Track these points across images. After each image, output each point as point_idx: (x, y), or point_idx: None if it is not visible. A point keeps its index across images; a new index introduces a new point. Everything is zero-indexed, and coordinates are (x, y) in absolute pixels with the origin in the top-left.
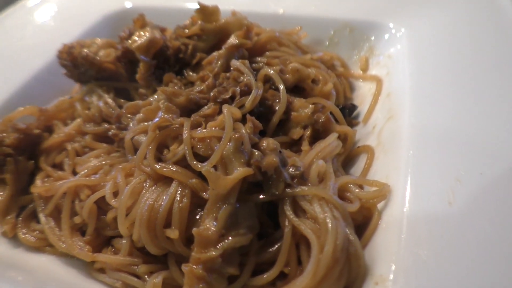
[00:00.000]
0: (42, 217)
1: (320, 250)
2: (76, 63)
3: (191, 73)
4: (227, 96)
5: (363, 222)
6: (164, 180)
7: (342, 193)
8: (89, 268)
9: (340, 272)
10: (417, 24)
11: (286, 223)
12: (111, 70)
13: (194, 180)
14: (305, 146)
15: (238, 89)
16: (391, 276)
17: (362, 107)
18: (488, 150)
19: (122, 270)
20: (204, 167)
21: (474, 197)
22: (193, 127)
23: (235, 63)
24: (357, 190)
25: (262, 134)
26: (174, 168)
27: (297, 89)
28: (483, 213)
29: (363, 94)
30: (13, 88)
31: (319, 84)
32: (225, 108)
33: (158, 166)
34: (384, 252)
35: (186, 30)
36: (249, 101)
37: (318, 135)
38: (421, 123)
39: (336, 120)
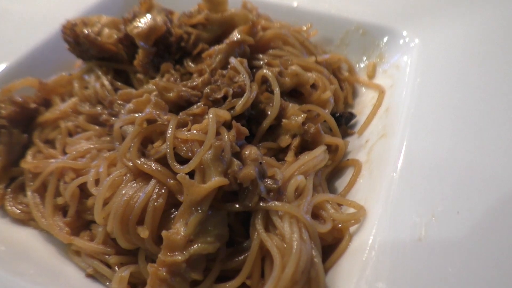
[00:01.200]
0: (28, 192)
1: (281, 270)
2: (78, 41)
3: (190, 63)
4: (219, 96)
5: (333, 243)
6: (144, 176)
7: (317, 211)
8: (67, 248)
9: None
10: (429, 37)
11: (255, 236)
12: (112, 51)
13: (172, 181)
14: (289, 156)
15: (231, 90)
16: None
17: (361, 117)
18: (473, 189)
19: (95, 257)
20: (181, 170)
21: (445, 237)
22: (179, 126)
23: (233, 61)
24: (332, 211)
25: (251, 137)
26: (154, 166)
27: (295, 92)
28: (451, 255)
29: (364, 102)
30: (16, 57)
31: (318, 90)
32: (211, 112)
33: (139, 162)
34: (346, 279)
35: (189, 19)
36: (239, 104)
37: (306, 145)
38: (411, 148)
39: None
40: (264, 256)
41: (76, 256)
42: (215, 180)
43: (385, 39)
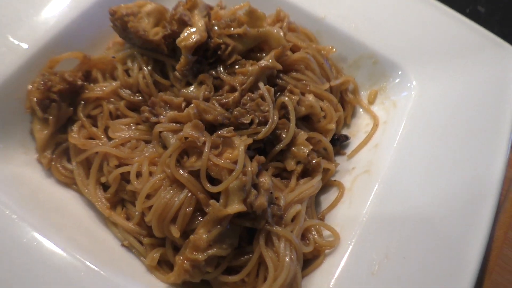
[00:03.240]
0: (73, 163)
1: (273, 279)
2: (125, 28)
3: (222, 69)
4: (246, 122)
5: (311, 258)
6: (178, 183)
7: (304, 232)
8: (105, 218)
9: None
10: (427, 84)
11: (257, 248)
12: (154, 44)
13: (201, 195)
14: (292, 182)
15: (257, 119)
16: None
17: (354, 139)
18: (422, 240)
19: (131, 233)
20: (211, 190)
21: (393, 276)
22: (212, 146)
23: (262, 88)
24: (316, 235)
25: (264, 153)
26: (188, 179)
27: (305, 116)
28: None
29: (359, 125)
30: (59, 28)
31: (325, 119)
32: (241, 145)
33: (177, 172)
34: None
35: (228, 29)
36: (262, 132)
37: (306, 170)
38: (387, 191)
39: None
40: (261, 262)
41: (114, 227)
42: (236, 208)
43: (392, 75)
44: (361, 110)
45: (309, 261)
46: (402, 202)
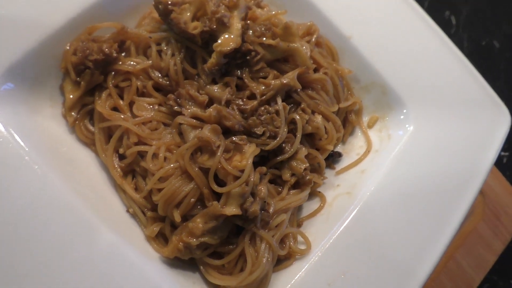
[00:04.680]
0: (96, 127)
1: (249, 273)
2: (167, 15)
3: (247, 73)
4: (258, 132)
5: (283, 259)
6: (188, 175)
7: (284, 238)
8: (116, 183)
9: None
10: (423, 126)
11: (241, 243)
12: (191, 35)
13: (206, 190)
14: (284, 192)
15: (268, 132)
16: None
17: (345, 157)
18: (379, 266)
19: (137, 204)
20: (216, 189)
21: None
22: (224, 150)
23: (279, 104)
24: (292, 241)
25: (265, 160)
26: (198, 173)
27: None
28: None
29: (354, 145)
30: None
31: (326, 139)
32: (250, 158)
33: (190, 165)
34: (279, 285)
35: (262, 38)
36: (270, 145)
37: (298, 182)
38: (360, 217)
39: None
40: (241, 255)
41: (123, 193)
42: (233, 211)
43: (396, 110)
44: (359, 131)
45: (281, 261)
46: (370, 232)
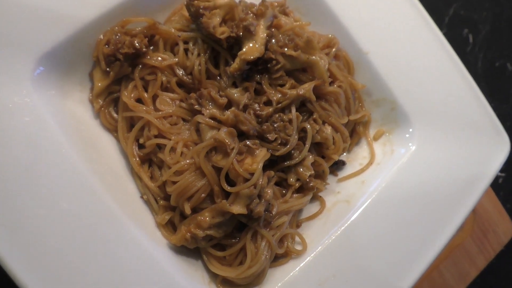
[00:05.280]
0: (120, 115)
1: (247, 268)
2: (197, 18)
3: (266, 79)
4: (270, 138)
5: (279, 256)
6: (201, 171)
7: (283, 237)
8: (133, 170)
9: (250, 280)
10: (424, 151)
11: (243, 238)
12: (217, 38)
13: (216, 188)
14: (288, 195)
15: (279, 140)
16: None
17: (348, 166)
18: (365, 271)
19: (151, 192)
20: (227, 189)
21: None
22: (237, 152)
23: (293, 113)
24: (290, 241)
25: (274, 163)
26: (211, 171)
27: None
28: None
29: (358, 154)
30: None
31: (333, 149)
32: (260, 164)
33: (205, 163)
34: (275, 280)
35: (284, 49)
36: (280, 152)
37: (301, 186)
38: (355, 227)
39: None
40: (242, 249)
41: (139, 180)
42: (240, 210)
43: (403, 128)
44: (365, 142)
45: (277, 258)
46: (362, 241)
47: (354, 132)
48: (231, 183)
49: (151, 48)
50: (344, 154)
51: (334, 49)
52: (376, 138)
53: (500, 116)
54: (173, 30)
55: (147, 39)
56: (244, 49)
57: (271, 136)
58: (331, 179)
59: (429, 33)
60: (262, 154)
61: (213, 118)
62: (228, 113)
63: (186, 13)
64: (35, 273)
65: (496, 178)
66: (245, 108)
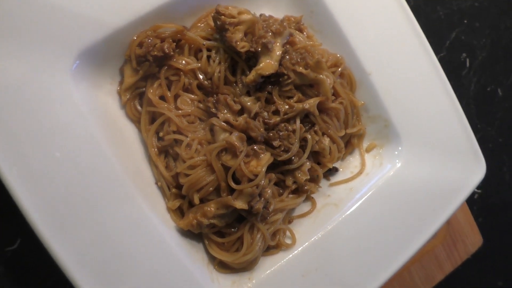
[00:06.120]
0: (144, 109)
1: (243, 255)
2: (222, 31)
3: (277, 91)
4: (275, 146)
5: (271, 247)
6: (212, 167)
7: (276, 231)
8: (151, 159)
9: (244, 266)
10: (407, 169)
11: (241, 229)
12: (237, 51)
13: (223, 183)
14: (284, 195)
15: (282, 147)
16: (253, 281)
17: (341, 173)
18: (340, 270)
19: (165, 179)
20: (233, 186)
21: (312, 283)
22: (245, 155)
23: (297, 125)
24: (282, 236)
25: (275, 165)
26: (220, 169)
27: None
28: None
29: (350, 163)
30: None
31: (329, 158)
32: (264, 167)
33: (215, 161)
34: (264, 267)
35: (296, 66)
36: (282, 157)
37: (297, 188)
38: (341, 229)
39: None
40: (239, 238)
41: (155, 168)
42: (242, 205)
43: (393, 144)
44: (357, 152)
45: (269, 249)
46: (343, 242)
47: (349, 143)
48: (237, 181)
49: (177, 50)
50: (338, 162)
51: (340, 68)
52: (368, 150)
53: (485, 137)
54: (198, 39)
55: (174, 43)
56: (261, 65)
57: (275, 143)
58: (323, 183)
59: (427, 62)
60: (266, 158)
61: (226, 122)
62: (240, 119)
63: (212, 22)
64: (66, 238)
65: (472, 194)
66: (256, 115)
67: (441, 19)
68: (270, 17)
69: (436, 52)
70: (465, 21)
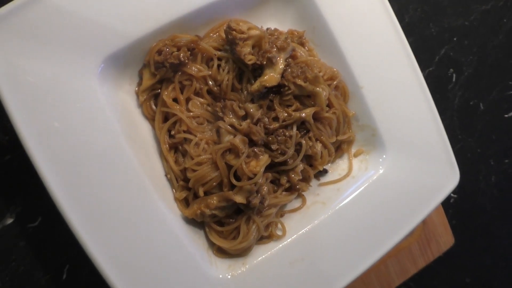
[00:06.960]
0: (158, 109)
1: (239, 242)
2: (232, 44)
3: (277, 99)
4: (273, 149)
5: (263, 237)
6: (216, 165)
7: (269, 223)
8: (162, 154)
9: (239, 252)
10: (391, 173)
11: (239, 220)
12: (245, 63)
13: (225, 180)
14: (278, 193)
15: (279, 150)
16: (246, 266)
17: (330, 174)
18: (322, 262)
19: (174, 172)
20: (234, 182)
21: (298, 271)
22: (246, 155)
23: (294, 131)
24: (274, 228)
25: (272, 165)
26: (224, 167)
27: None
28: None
29: (339, 166)
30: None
31: (319, 161)
32: (262, 167)
33: (220, 160)
34: (255, 255)
35: (296, 79)
36: (279, 159)
37: (290, 187)
38: (327, 225)
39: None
40: (236, 228)
41: (165, 162)
42: (241, 199)
43: (378, 152)
44: (346, 156)
45: (262, 239)
46: (326, 237)
47: (339, 148)
48: (238, 178)
49: (190, 57)
50: (329, 164)
51: (335, 82)
52: (356, 155)
53: (465, 147)
54: (210, 49)
55: (189, 52)
56: (265, 77)
57: (273, 146)
58: (314, 182)
59: (414, 80)
60: (264, 159)
61: (231, 125)
62: (244, 124)
63: (223, 34)
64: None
65: (448, 198)
66: (258, 121)
67: (433, 36)
68: (276, 30)
69: (426, 67)
70: (455, 39)
